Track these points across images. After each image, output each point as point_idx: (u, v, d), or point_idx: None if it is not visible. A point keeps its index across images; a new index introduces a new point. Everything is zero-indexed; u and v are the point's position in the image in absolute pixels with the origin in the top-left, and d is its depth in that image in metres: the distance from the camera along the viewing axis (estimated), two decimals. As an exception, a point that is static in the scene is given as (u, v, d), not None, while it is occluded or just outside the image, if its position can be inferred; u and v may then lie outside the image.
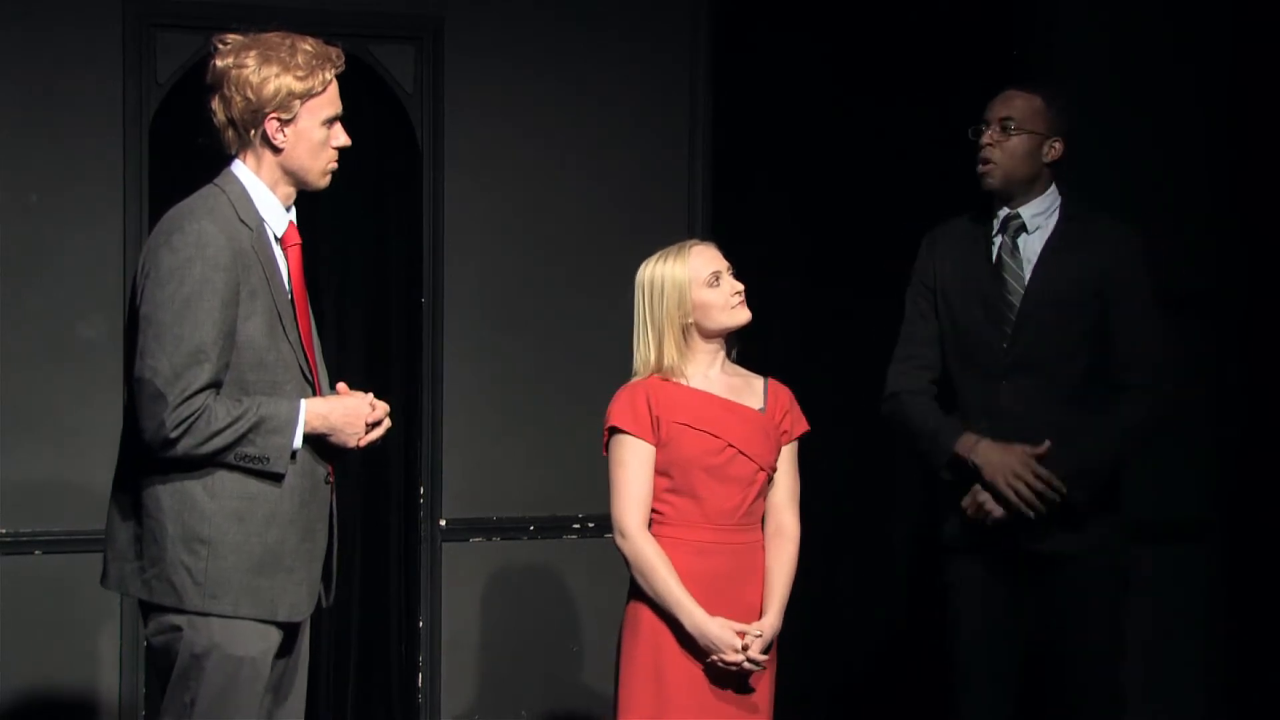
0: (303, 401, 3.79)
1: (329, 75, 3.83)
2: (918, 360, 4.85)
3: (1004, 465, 4.62)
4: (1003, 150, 4.73)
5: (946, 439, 4.71)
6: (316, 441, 3.83)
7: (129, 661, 5.68)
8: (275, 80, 3.77)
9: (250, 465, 3.74)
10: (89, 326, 5.65)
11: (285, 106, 3.79)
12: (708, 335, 4.34)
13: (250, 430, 3.72)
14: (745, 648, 4.24)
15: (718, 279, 4.31)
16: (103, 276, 5.64)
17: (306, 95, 3.80)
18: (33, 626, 5.60)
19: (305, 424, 3.78)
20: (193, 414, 3.67)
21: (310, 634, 4.03)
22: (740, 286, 4.33)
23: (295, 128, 3.82)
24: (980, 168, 4.76)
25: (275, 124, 3.80)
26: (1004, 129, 4.73)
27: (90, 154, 5.65)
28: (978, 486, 4.67)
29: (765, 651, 4.28)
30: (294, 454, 3.78)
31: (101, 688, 5.70)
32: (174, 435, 3.67)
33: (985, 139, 4.73)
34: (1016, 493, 4.61)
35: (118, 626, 5.67)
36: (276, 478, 3.77)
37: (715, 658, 4.24)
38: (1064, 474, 4.60)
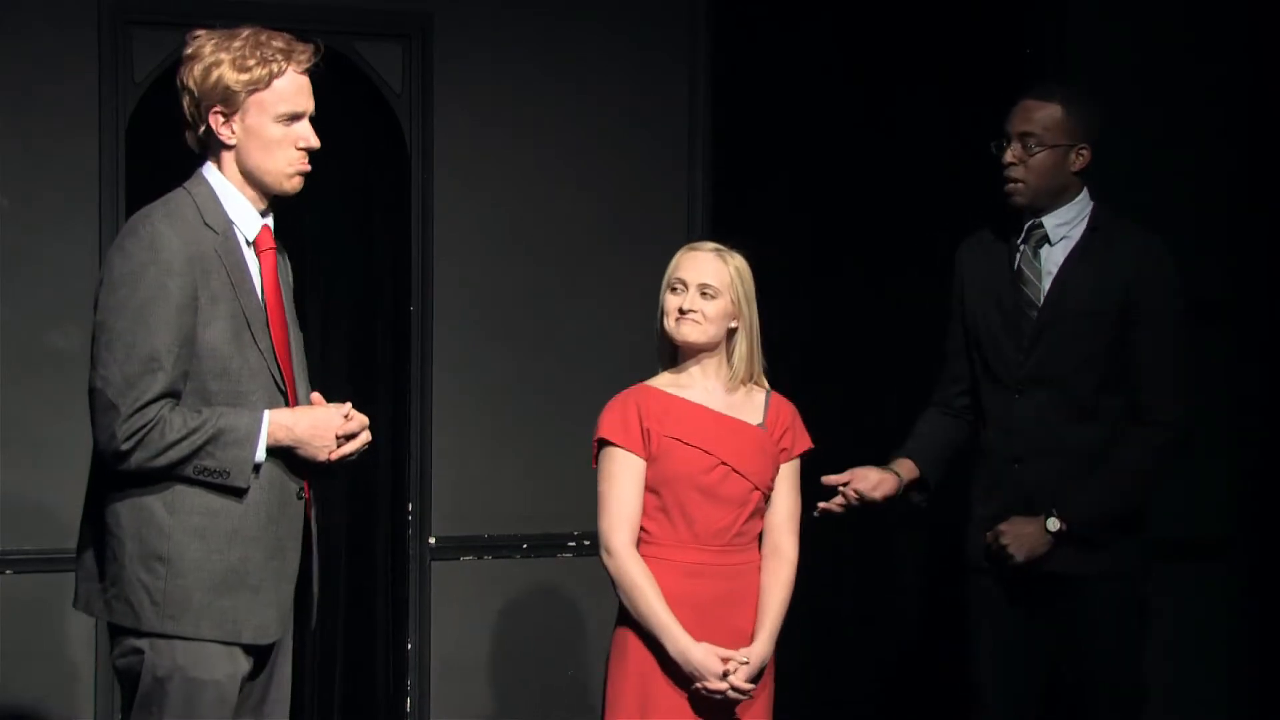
0: (266, 413, 3.71)
1: (280, 68, 3.74)
2: (949, 373, 4.89)
3: (1026, 546, 4.65)
4: (1027, 168, 4.69)
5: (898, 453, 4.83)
6: (287, 456, 3.74)
7: (104, 685, 5.60)
8: (216, 71, 3.71)
9: (210, 479, 3.67)
10: (61, 336, 5.58)
11: (226, 99, 3.72)
12: (669, 341, 4.33)
13: (208, 442, 3.64)
14: (729, 674, 4.20)
15: (677, 287, 4.29)
16: (76, 284, 5.55)
17: (249, 88, 3.71)
18: (4, 649, 5.53)
19: (268, 436, 3.70)
20: (145, 425, 3.61)
21: (293, 655, 3.95)
22: (694, 306, 4.27)
23: (242, 124, 3.74)
24: (1006, 186, 4.71)
25: (219, 118, 3.73)
26: (1025, 146, 4.68)
27: (64, 156, 5.61)
28: (994, 532, 4.70)
29: (756, 679, 4.23)
30: (258, 467, 3.70)
31: (77, 713, 5.63)
32: (125, 448, 3.61)
33: (1008, 157, 4.70)
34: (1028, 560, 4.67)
35: (93, 649, 5.60)
36: (238, 492, 3.69)
37: (699, 685, 4.19)
38: (1083, 524, 4.62)
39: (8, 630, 5.52)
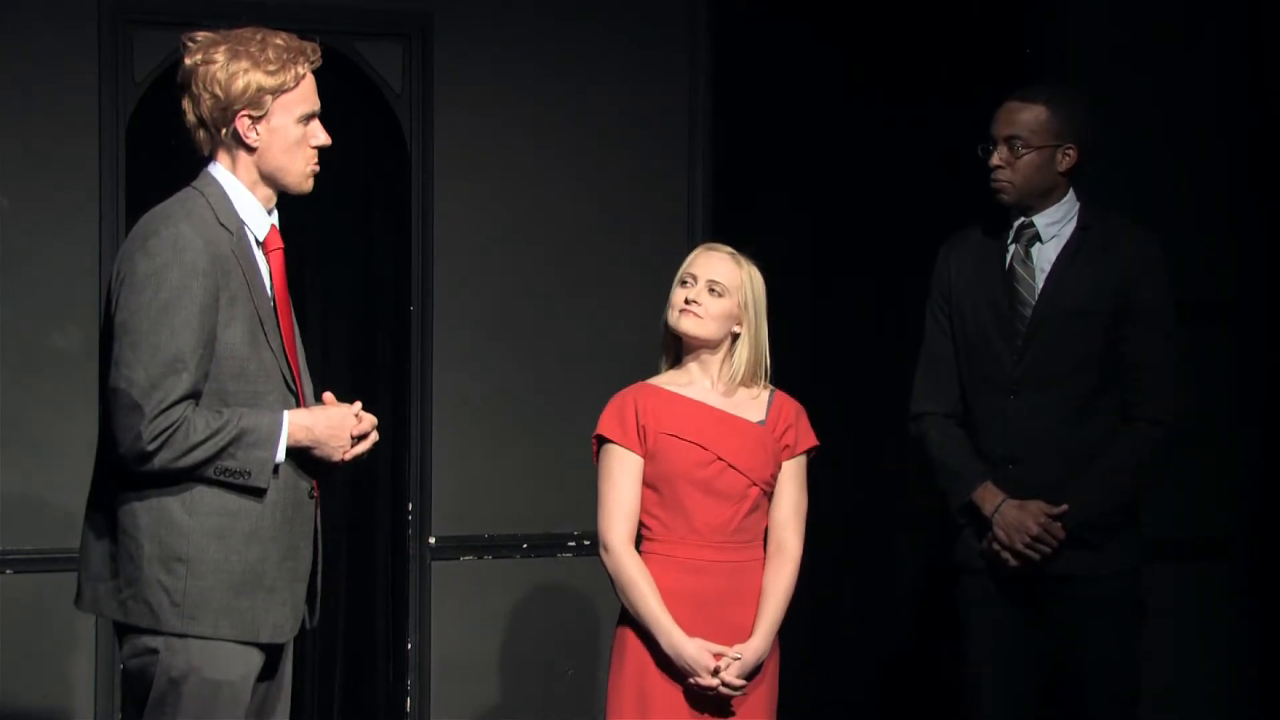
0: (285, 413, 3.71)
1: (302, 70, 3.76)
2: (940, 378, 4.82)
3: (1020, 527, 4.63)
4: (1014, 170, 4.69)
5: (966, 486, 4.71)
6: (300, 455, 3.74)
7: (104, 686, 5.59)
8: (244, 76, 3.70)
9: (231, 480, 3.66)
10: (63, 336, 5.57)
11: (256, 103, 3.71)
12: (674, 335, 4.34)
13: (231, 443, 3.63)
14: (720, 670, 4.21)
15: (687, 281, 4.31)
16: (77, 283, 5.57)
17: (278, 91, 3.72)
18: (4, 649, 5.51)
19: (289, 436, 3.70)
20: (170, 426, 3.59)
21: (294, 656, 3.94)
22: (700, 300, 4.28)
23: (268, 125, 3.74)
24: (993, 185, 4.72)
25: (246, 121, 3.73)
26: (1012, 148, 4.68)
27: (65, 156, 5.59)
28: (991, 536, 4.67)
29: (750, 676, 4.24)
30: (276, 468, 3.69)
31: (75, 713, 5.61)
32: (151, 449, 3.59)
33: (995, 160, 4.69)
34: (1029, 549, 4.62)
35: (92, 649, 5.59)
36: (258, 493, 3.68)
37: (691, 680, 4.21)
38: (1076, 523, 4.62)
39: (8, 630, 5.50)
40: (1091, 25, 6.28)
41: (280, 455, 3.68)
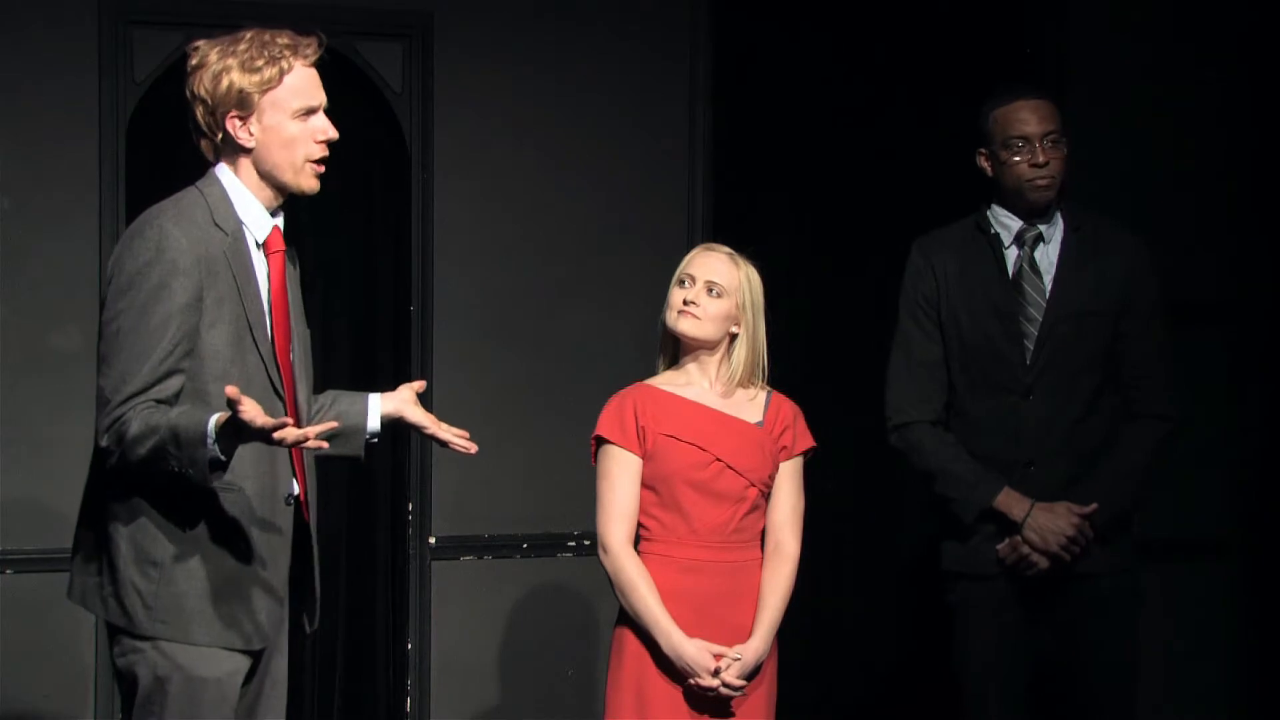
0: (214, 415, 3.56)
1: (289, 65, 3.71)
2: (926, 384, 4.77)
3: (1056, 530, 4.60)
4: (1057, 165, 4.67)
5: (985, 493, 4.65)
6: (271, 459, 3.71)
7: (104, 686, 5.60)
8: (227, 76, 3.68)
9: (188, 477, 3.57)
10: (63, 336, 5.58)
11: (242, 103, 3.69)
12: (672, 335, 4.33)
13: (168, 442, 3.55)
14: (721, 671, 4.22)
15: (685, 282, 4.30)
16: (77, 283, 5.56)
17: (262, 88, 3.69)
18: (4, 649, 5.52)
19: (218, 428, 3.51)
20: (115, 422, 3.59)
21: (292, 657, 3.94)
22: (699, 301, 4.27)
23: (260, 124, 3.71)
24: (1040, 183, 4.66)
25: (236, 123, 3.71)
26: (1054, 143, 4.66)
27: (65, 156, 5.59)
28: (1019, 539, 4.64)
29: (750, 677, 4.25)
30: (226, 464, 3.54)
31: (77, 713, 5.62)
32: (104, 444, 3.61)
33: (1041, 157, 4.64)
34: (1065, 550, 4.61)
35: (93, 649, 5.58)
36: (212, 492, 3.63)
37: (692, 681, 4.22)
38: (1103, 521, 4.62)
39: (8, 630, 5.51)
40: (1091, 25, 6.28)
41: (211, 448, 3.51)
